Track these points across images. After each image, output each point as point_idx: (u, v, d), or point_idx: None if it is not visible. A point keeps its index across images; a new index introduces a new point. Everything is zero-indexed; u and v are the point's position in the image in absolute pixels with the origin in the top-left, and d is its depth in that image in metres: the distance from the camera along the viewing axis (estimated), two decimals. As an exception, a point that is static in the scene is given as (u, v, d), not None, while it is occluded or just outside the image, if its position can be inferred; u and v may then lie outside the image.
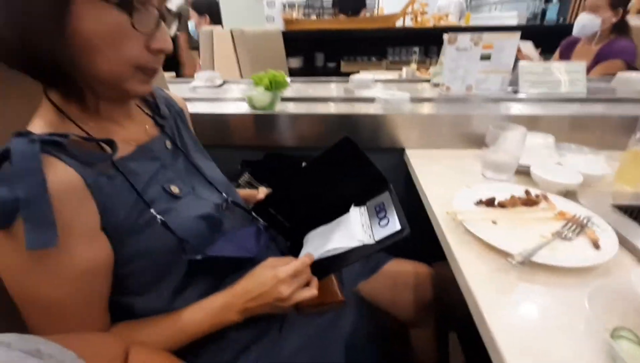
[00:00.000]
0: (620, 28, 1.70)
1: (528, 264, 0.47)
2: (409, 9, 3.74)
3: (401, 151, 0.96)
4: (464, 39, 1.13)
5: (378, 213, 0.57)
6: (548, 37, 2.05)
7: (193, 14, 2.37)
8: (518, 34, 1.09)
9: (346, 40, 3.69)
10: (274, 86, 0.99)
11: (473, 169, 0.80)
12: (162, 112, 0.58)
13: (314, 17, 4.74)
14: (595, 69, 1.68)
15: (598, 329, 0.34)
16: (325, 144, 0.55)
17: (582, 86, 1.11)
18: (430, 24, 4.05)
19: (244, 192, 0.72)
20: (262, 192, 0.69)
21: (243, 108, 1.04)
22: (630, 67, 1.64)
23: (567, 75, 1.12)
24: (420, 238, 0.68)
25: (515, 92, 1.13)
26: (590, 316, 0.37)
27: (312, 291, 0.50)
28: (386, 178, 0.59)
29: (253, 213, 0.63)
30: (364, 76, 1.37)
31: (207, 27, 1.96)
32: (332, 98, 1.19)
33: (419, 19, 3.97)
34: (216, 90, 1.38)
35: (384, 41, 3.68)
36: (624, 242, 0.53)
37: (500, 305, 0.43)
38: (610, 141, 0.91)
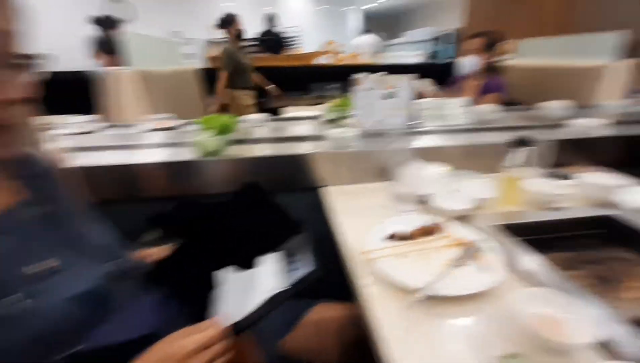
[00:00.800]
0: (493, 67, 2.06)
1: (431, 298, 0.49)
2: (327, 48, 4.04)
3: (321, 189, 0.98)
4: (369, 80, 1.24)
5: (291, 257, 0.55)
6: (444, 73, 2.38)
7: (100, 53, 2.21)
8: (413, 76, 1.24)
9: (271, 77, 3.80)
10: (224, 130, 0.97)
11: (388, 203, 0.85)
12: (29, 173, 0.49)
13: (237, 55, 4.88)
14: (481, 100, 1.99)
15: (489, 356, 0.36)
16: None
17: (469, 118, 1.29)
18: (346, 61, 4.43)
19: (148, 252, 0.64)
20: (164, 250, 0.62)
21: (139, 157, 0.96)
22: (505, 99, 1.98)
23: (456, 109, 1.30)
24: (342, 278, 0.67)
25: (417, 126, 1.25)
26: (480, 344, 0.39)
27: (226, 358, 0.45)
28: (299, 220, 0.58)
29: (154, 278, 0.55)
30: (258, 116, 1.40)
31: (114, 67, 1.82)
32: (265, 139, 1.19)
33: (337, 57, 4.31)
34: (114, 137, 1.27)
35: (307, 78, 3.88)
36: (509, 261, 0.59)
37: (407, 343, 0.44)
38: (498, 166, 1.06)
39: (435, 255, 0.61)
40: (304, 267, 0.51)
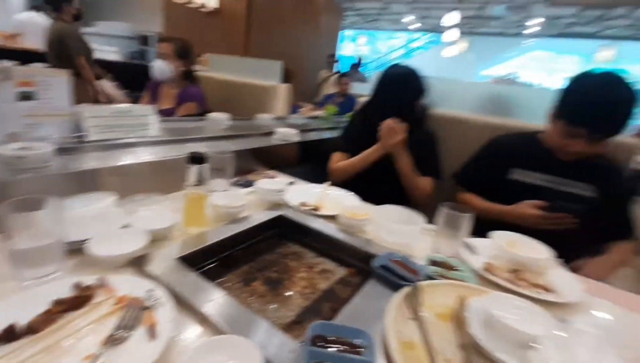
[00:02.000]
0: (190, 76, 2.04)
1: None
2: None
3: None
4: (-24, 70, 0.78)
5: None
6: (146, 77, 2.09)
7: None
8: (65, 72, 0.92)
9: None
10: None
11: (5, 271, 0.52)
12: None
13: None
14: (179, 109, 1.91)
15: None
16: None
17: (155, 129, 1.13)
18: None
19: None
20: None
21: None
22: (204, 109, 2.02)
23: (138, 118, 1.10)
24: None
25: (83, 139, 0.95)
26: None
27: None
28: None
29: None
30: None
31: None
32: None
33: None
34: None
35: None
36: (183, 304, 0.50)
37: None
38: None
39: (81, 340, 0.41)
40: None
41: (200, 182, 0.71)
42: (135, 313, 0.45)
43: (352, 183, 1.21)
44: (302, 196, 0.99)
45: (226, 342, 0.41)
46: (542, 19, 6.94)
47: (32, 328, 0.41)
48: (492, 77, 8.25)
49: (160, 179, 0.90)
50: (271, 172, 1.31)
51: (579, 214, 0.94)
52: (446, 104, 1.63)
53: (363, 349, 0.45)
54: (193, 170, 0.70)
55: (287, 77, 2.42)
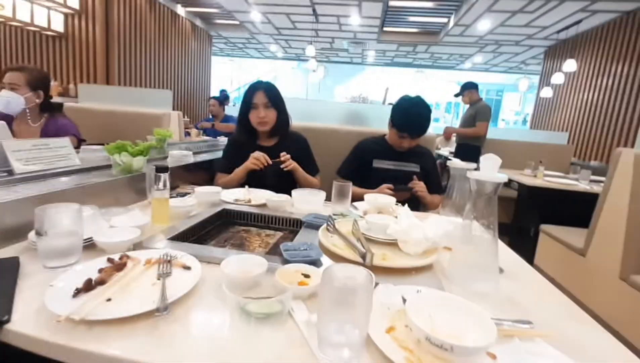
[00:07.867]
0: (50, 107, 1.83)
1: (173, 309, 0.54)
2: None
3: None
4: None
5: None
6: None
7: None
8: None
9: None
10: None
11: (32, 266, 0.65)
12: None
13: None
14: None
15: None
16: None
17: (75, 159, 1.20)
18: None
19: None
20: None
21: None
22: (79, 140, 1.86)
23: (57, 150, 1.15)
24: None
25: (10, 172, 0.98)
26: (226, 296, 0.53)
27: None
28: None
29: None
30: None
31: None
32: None
33: None
34: None
35: None
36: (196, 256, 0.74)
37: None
38: (129, 198, 1.12)
39: (140, 282, 0.62)
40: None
41: (164, 187, 0.93)
42: (166, 264, 0.68)
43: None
44: (233, 195, 1.26)
45: (245, 256, 0.69)
46: (373, 52, 8.89)
47: (101, 281, 0.60)
48: (347, 96, 10.02)
49: (111, 196, 1.03)
50: (189, 187, 1.50)
51: (408, 189, 1.53)
52: (319, 119, 2.16)
53: (312, 250, 0.80)
54: (159, 178, 0.91)
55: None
